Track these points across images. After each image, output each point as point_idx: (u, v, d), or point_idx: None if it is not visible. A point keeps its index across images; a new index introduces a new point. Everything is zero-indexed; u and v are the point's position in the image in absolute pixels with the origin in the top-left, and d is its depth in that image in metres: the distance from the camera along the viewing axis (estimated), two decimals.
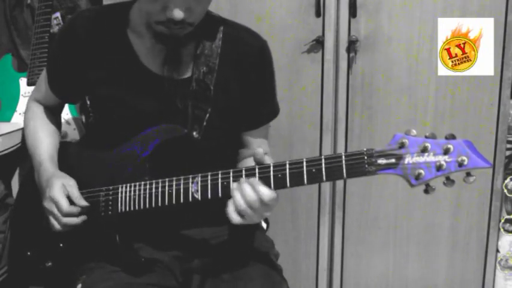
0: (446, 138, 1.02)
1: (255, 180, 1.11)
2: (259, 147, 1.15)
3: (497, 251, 2.04)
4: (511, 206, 2.03)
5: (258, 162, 1.13)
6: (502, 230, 2.03)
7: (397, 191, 1.98)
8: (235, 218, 1.13)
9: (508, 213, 2.03)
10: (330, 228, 2.05)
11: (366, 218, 2.03)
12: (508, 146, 1.96)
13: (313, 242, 2.06)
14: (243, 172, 1.13)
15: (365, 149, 1.06)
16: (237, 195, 1.11)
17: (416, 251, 2.04)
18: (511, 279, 2.08)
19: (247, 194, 1.10)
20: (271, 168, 1.11)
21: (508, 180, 2.00)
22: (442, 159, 1.01)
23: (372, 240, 2.05)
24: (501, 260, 2.06)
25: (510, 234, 2.05)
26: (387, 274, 2.08)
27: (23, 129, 1.52)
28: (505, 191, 2.00)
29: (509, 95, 1.89)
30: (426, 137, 1.03)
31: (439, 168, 1.01)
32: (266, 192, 1.10)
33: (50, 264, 1.35)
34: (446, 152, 1.01)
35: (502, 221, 2.03)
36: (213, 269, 1.32)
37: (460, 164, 1.00)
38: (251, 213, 1.12)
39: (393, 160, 1.04)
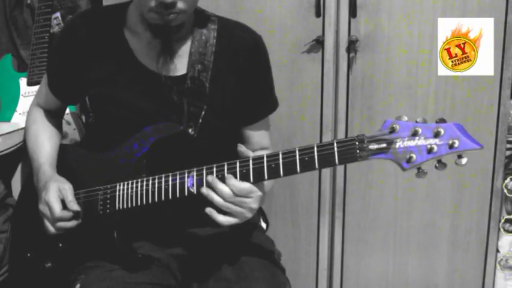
0: (436, 122, 1.03)
1: (225, 175, 1.14)
2: (241, 146, 1.18)
3: (497, 251, 2.04)
4: (511, 206, 2.03)
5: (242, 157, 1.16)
6: (502, 230, 2.03)
7: (397, 191, 1.99)
8: (222, 219, 1.15)
9: (508, 213, 2.03)
10: (330, 228, 2.05)
11: (365, 218, 2.03)
12: (508, 146, 1.96)
13: (313, 242, 2.06)
14: (237, 164, 1.15)
15: (356, 135, 1.06)
16: (210, 194, 1.14)
17: (416, 251, 2.04)
18: (511, 279, 2.08)
19: (222, 191, 1.13)
20: (265, 158, 1.12)
21: (508, 180, 2.00)
22: (433, 142, 1.02)
23: (372, 240, 2.05)
24: (501, 260, 2.06)
25: (510, 234, 2.05)
26: (387, 274, 2.08)
27: (24, 129, 1.53)
28: (505, 191, 2.00)
29: (509, 95, 1.89)
30: (417, 121, 1.04)
31: (430, 151, 1.02)
32: (236, 184, 1.13)
33: (49, 264, 1.36)
34: (436, 135, 1.02)
35: (502, 221, 2.03)
36: (215, 268, 1.32)
37: (451, 146, 1.01)
38: (237, 209, 1.14)
39: (384, 145, 1.04)
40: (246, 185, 1.14)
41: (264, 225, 1.55)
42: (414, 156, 1.02)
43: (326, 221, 2.03)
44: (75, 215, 1.27)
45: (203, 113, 1.30)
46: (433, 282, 2.07)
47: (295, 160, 1.10)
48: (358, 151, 1.06)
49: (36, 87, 1.92)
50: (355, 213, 2.03)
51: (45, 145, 1.41)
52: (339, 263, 2.07)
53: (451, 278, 2.06)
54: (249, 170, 1.14)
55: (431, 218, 2.00)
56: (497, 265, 2.06)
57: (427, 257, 2.05)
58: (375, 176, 1.97)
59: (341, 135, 1.95)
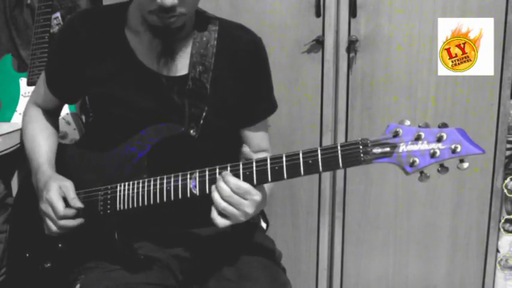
0: (439, 126, 1.04)
1: (226, 172, 1.14)
2: (246, 146, 1.18)
3: (497, 251, 2.05)
4: (511, 206, 2.03)
5: (246, 159, 1.16)
6: (502, 230, 2.03)
7: (397, 191, 1.99)
8: (219, 220, 1.15)
9: (508, 213, 2.03)
10: (330, 228, 2.05)
11: (366, 218, 2.03)
12: (508, 146, 1.96)
13: (313, 242, 2.06)
14: (241, 166, 1.15)
15: (360, 139, 1.07)
16: (215, 194, 1.14)
17: (416, 251, 2.04)
18: (511, 279, 2.08)
19: (222, 189, 1.13)
20: (268, 160, 1.13)
21: (508, 180, 2.00)
22: (436, 146, 1.03)
23: (372, 240, 2.05)
24: (501, 260, 2.06)
25: (510, 234, 2.05)
26: (387, 274, 2.08)
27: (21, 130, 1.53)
28: (505, 191, 2.00)
29: (509, 95, 1.89)
30: (420, 126, 1.05)
31: (432, 155, 1.03)
32: (235, 181, 1.12)
33: (48, 265, 1.35)
34: (439, 139, 1.03)
35: (502, 221, 2.03)
36: (216, 268, 1.32)
37: (454, 151, 1.02)
38: (232, 210, 1.14)
39: (388, 149, 1.05)
40: (244, 185, 1.13)
41: (264, 225, 1.55)
42: (417, 160, 1.03)
43: (326, 221, 2.03)
44: (78, 213, 1.26)
45: (204, 114, 1.30)
46: (433, 282, 2.07)
47: (299, 163, 1.10)
48: (362, 155, 1.06)
49: None
50: (355, 213, 2.03)
51: (43, 144, 1.41)
52: (339, 263, 2.07)
53: (451, 278, 2.06)
54: (252, 171, 1.14)
55: (431, 218, 2.01)
56: (497, 265, 2.06)
57: (427, 257, 2.05)
58: (375, 176, 1.97)
59: (341, 135, 1.95)
